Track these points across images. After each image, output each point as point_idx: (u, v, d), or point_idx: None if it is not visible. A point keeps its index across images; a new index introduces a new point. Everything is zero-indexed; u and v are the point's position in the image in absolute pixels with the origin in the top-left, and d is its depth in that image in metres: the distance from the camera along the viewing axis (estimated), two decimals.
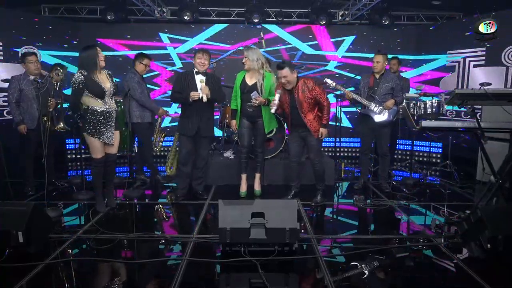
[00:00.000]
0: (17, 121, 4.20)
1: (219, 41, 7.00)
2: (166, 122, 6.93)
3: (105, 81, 3.52)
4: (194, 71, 3.96)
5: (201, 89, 3.85)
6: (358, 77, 4.76)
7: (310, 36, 7.07)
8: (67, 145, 6.46)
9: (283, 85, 3.74)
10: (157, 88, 7.08)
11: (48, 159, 4.04)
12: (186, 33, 6.98)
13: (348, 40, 7.08)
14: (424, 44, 6.85)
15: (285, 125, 4.32)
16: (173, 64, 7.06)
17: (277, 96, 3.75)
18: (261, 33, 5.71)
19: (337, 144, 5.76)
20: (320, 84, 3.91)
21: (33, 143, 4.28)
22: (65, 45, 6.52)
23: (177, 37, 6.99)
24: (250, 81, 4.02)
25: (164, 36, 6.98)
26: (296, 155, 4.07)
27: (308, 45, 7.07)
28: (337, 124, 5.43)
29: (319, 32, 7.06)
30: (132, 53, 6.54)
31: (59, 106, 4.35)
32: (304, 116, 3.77)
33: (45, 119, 4.14)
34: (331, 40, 7.07)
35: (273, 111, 3.81)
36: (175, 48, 7.02)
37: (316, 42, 7.08)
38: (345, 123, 7.18)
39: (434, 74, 6.72)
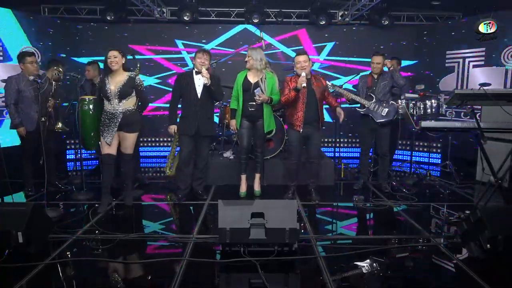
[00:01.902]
0: (16, 123, 4.10)
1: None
2: None
3: (116, 83, 3.60)
4: (194, 71, 3.96)
5: (202, 76, 3.82)
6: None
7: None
8: (67, 156, 6.45)
9: (302, 69, 3.81)
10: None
11: (49, 159, 4.02)
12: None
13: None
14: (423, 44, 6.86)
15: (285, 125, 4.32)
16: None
17: (305, 72, 3.79)
18: (261, 33, 5.69)
19: (337, 155, 5.76)
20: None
21: (33, 144, 4.19)
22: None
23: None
24: (252, 80, 4.02)
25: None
26: (298, 155, 4.13)
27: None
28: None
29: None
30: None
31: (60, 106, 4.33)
32: (319, 103, 3.94)
33: (43, 119, 4.07)
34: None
35: (304, 85, 3.71)
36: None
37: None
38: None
39: None
